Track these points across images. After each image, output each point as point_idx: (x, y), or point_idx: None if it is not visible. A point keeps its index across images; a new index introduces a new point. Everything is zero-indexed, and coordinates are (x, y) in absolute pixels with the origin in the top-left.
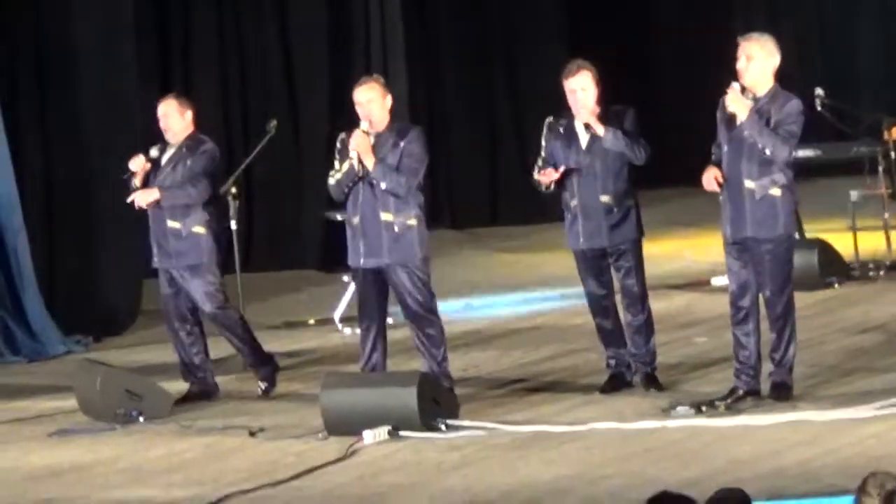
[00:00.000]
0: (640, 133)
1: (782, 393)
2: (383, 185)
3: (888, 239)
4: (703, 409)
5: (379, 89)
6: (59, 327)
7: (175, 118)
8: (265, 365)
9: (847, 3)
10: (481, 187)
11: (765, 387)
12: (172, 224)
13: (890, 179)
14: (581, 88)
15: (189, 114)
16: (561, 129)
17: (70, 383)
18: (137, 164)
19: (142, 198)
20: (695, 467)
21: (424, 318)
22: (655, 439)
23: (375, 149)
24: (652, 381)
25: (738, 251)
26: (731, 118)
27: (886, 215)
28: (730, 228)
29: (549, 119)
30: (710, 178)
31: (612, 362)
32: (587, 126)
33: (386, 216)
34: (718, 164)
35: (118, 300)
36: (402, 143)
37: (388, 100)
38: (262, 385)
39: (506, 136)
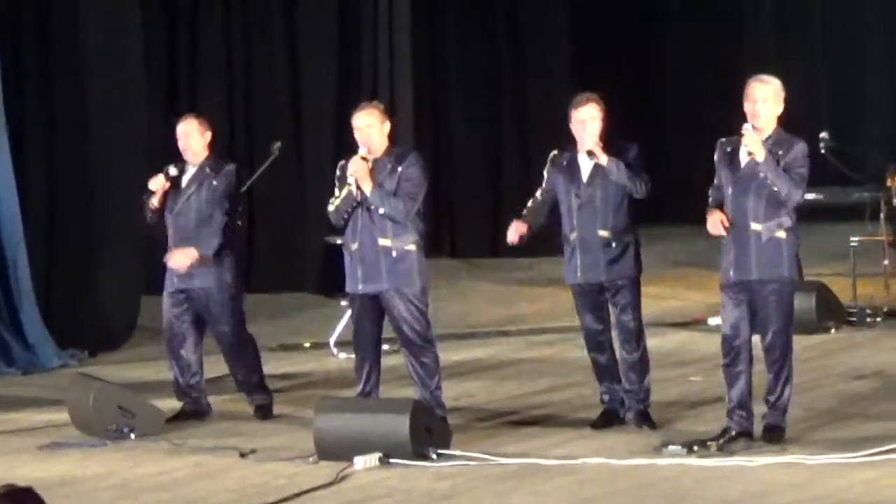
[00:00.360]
0: (643, 167)
1: (775, 435)
2: (382, 211)
3: (887, 286)
4: (695, 448)
5: (378, 115)
6: (55, 340)
7: (196, 138)
8: (263, 393)
9: (855, 48)
10: (483, 218)
11: (758, 428)
12: (199, 248)
13: (891, 226)
14: (590, 118)
15: (209, 135)
16: (564, 162)
17: (63, 397)
18: (157, 183)
19: (179, 260)
20: None
21: (420, 346)
22: (646, 477)
23: (373, 174)
24: (644, 419)
25: (736, 292)
26: (732, 161)
27: (886, 262)
28: (733, 270)
29: (554, 152)
30: (717, 222)
31: (606, 398)
32: (591, 154)
33: (384, 241)
34: (717, 207)
35: (115, 315)
36: (399, 168)
37: (387, 126)
38: (258, 411)
39: (510, 167)
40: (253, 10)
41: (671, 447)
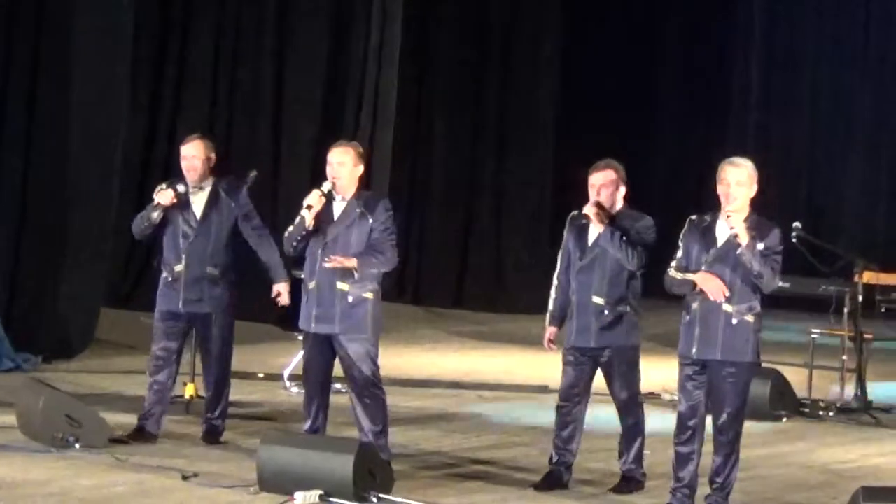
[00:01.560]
0: (645, 242)
1: None
2: (376, 270)
3: (843, 381)
4: None
5: (353, 155)
6: (11, 343)
7: (202, 160)
8: (222, 419)
9: (838, 144)
10: (449, 268)
11: None
12: (212, 270)
13: (854, 323)
14: (602, 185)
15: (213, 157)
16: (577, 225)
17: (12, 399)
18: (166, 197)
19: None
20: None
21: (368, 390)
22: None
23: (342, 215)
24: (626, 483)
25: (697, 372)
26: (705, 239)
27: (844, 357)
28: (696, 347)
29: (573, 213)
30: (720, 286)
31: (555, 458)
32: (586, 217)
33: (342, 286)
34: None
35: (74, 325)
36: (370, 219)
37: (360, 169)
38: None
39: (482, 220)
40: (243, 36)
41: None
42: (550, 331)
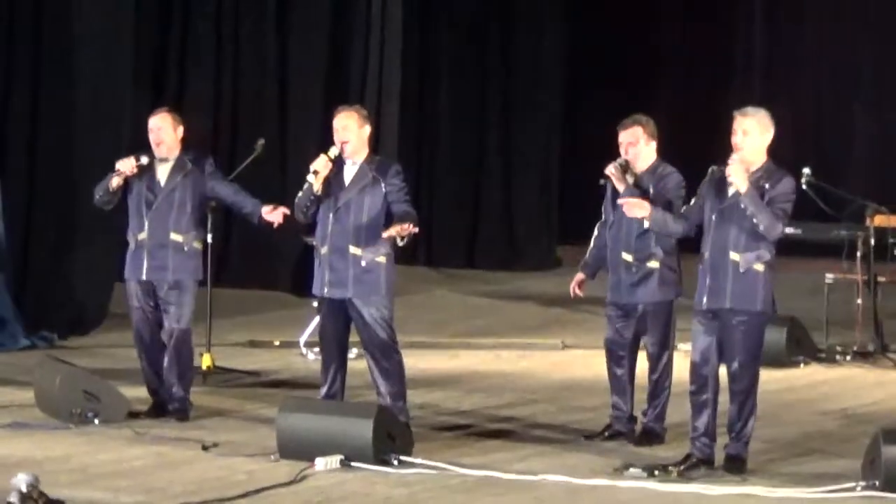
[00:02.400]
0: (671, 199)
1: (736, 466)
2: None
3: (858, 325)
4: (656, 472)
5: (357, 118)
6: (26, 321)
7: (169, 132)
8: (187, 393)
9: (844, 88)
10: (462, 228)
11: (719, 456)
12: (175, 237)
13: (867, 266)
14: (629, 143)
15: (181, 130)
16: (604, 181)
17: (29, 378)
18: (127, 165)
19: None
20: None
21: (384, 353)
22: (604, 498)
23: (354, 179)
24: (645, 436)
25: (708, 320)
26: (721, 189)
27: (859, 301)
28: (706, 297)
29: (610, 165)
30: (633, 204)
31: (612, 412)
32: (606, 177)
33: (355, 250)
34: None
35: (88, 300)
36: (384, 184)
37: (366, 130)
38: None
39: (492, 179)
40: (245, 12)
41: (632, 469)
42: (578, 276)
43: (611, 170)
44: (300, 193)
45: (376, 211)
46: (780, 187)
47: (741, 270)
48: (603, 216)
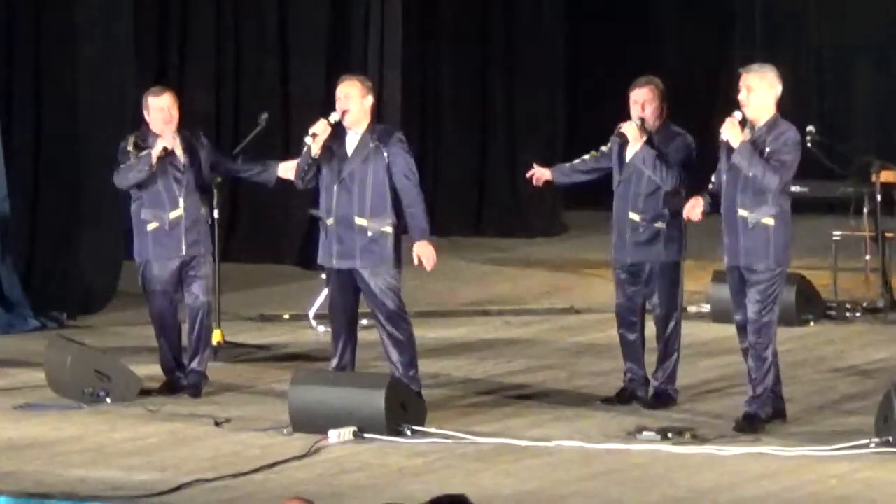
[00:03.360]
0: (680, 161)
1: (755, 425)
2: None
3: (868, 281)
4: (669, 435)
5: (360, 87)
6: (35, 302)
7: (175, 110)
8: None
9: (845, 45)
10: (467, 196)
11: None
12: (203, 211)
13: (874, 222)
14: (645, 101)
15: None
16: (619, 140)
17: (40, 359)
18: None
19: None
20: (656, 493)
21: (393, 323)
22: (619, 461)
23: (356, 149)
24: (658, 399)
25: (739, 279)
26: (729, 149)
27: (868, 257)
28: (727, 256)
29: (622, 124)
30: (691, 206)
31: (628, 377)
32: (622, 135)
33: (361, 221)
34: (715, 194)
35: (96, 280)
36: (386, 152)
37: (369, 100)
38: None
39: (496, 146)
40: None
41: (645, 433)
42: (544, 169)
43: (629, 127)
44: (298, 159)
45: (381, 180)
46: (782, 139)
47: (750, 226)
48: (590, 155)
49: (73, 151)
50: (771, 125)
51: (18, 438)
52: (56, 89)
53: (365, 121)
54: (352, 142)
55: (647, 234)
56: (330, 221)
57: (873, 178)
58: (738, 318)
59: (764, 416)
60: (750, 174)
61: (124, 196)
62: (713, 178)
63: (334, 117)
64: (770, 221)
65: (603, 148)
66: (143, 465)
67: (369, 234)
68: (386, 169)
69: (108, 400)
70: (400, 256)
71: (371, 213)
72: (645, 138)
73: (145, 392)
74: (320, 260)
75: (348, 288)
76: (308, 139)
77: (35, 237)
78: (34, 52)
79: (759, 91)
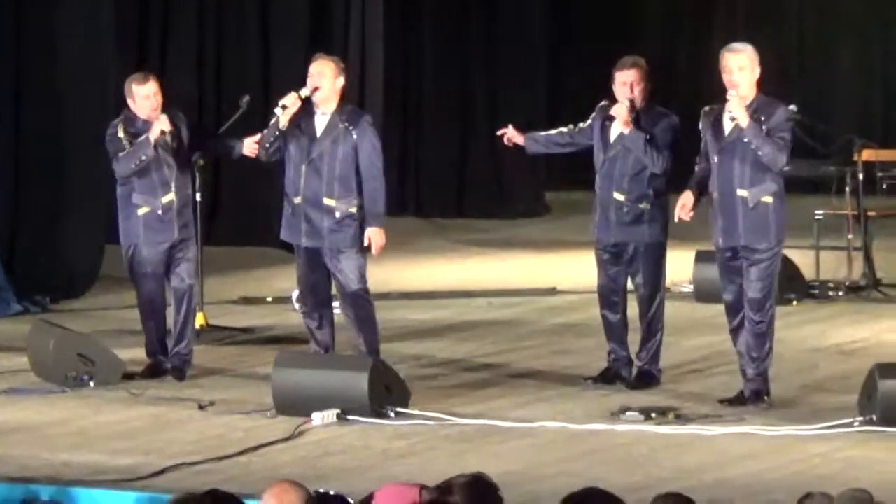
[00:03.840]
0: (667, 143)
1: (760, 397)
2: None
3: (850, 260)
4: (653, 415)
5: (332, 66)
6: (17, 286)
7: (160, 96)
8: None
9: (827, 24)
10: (449, 178)
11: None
12: (189, 194)
13: (856, 201)
14: (628, 82)
15: None
16: (602, 117)
17: (23, 343)
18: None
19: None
20: (639, 473)
21: (356, 303)
22: (603, 442)
23: (325, 130)
24: (641, 379)
25: (731, 259)
26: (717, 128)
27: (850, 236)
28: (721, 237)
29: (603, 102)
30: (680, 208)
31: (611, 357)
32: (611, 117)
33: (329, 201)
34: (702, 178)
35: (79, 263)
36: (354, 134)
37: (341, 81)
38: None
39: (478, 128)
40: None
41: (629, 413)
42: (517, 133)
43: (622, 109)
44: (265, 131)
45: (349, 161)
46: (777, 117)
47: (750, 206)
48: (567, 129)
49: (54, 136)
50: (762, 103)
51: (2, 423)
52: (36, 77)
53: (334, 101)
54: (321, 122)
55: (632, 214)
56: (297, 200)
57: (855, 157)
58: (728, 297)
59: (766, 389)
60: (760, 153)
61: (109, 180)
62: (697, 161)
63: (305, 92)
64: (770, 199)
65: (581, 124)
66: (127, 449)
67: (337, 214)
68: (354, 150)
69: (92, 384)
70: (364, 239)
71: (339, 195)
72: (633, 119)
73: (129, 376)
74: (284, 236)
75: (317, 266)
76: (278, 110)
77: (16, 222)
78: (14, 44)
79: (749, 70)
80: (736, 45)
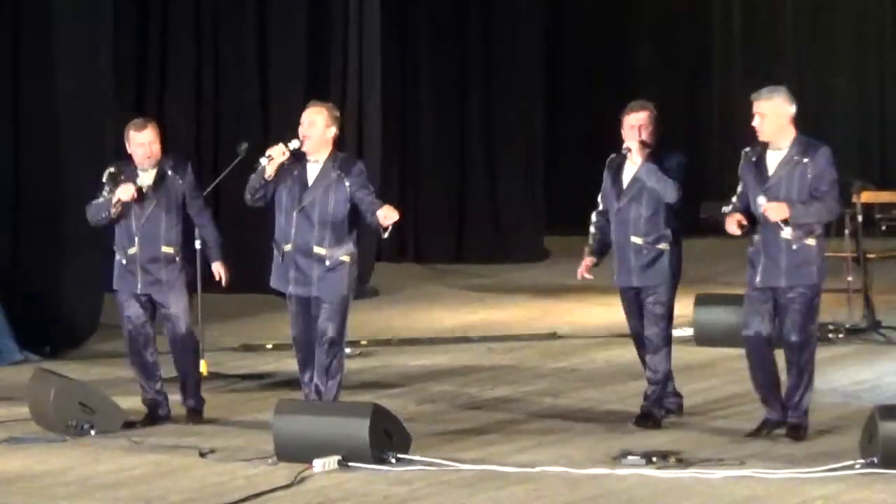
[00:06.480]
0: (680, 176)
1: (800, 433)
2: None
3: (850, 302)
4: (654, 459)
5: (325, 115)
6: (18, 335)
7: (157, 144)
8: (199, 394)
9: (824, 68)
10: (448, 223)
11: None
12: (166, 249)
13: (856, 243)
14: (641, 125)
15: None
16: (614, 165)
17: (24, 392)
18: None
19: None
20: None
21: (329, 348)
22: (603, 487)
23: (318, 178)
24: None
25: (763, 300)
26: (760, 170)
27: (850, 279)
28: (760, 276)
29: (612, 156)
30: (733, 221)
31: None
32: (628, 150)
33: (319, 250)
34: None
35: (78, 312)
36: (347, 181)
37: (332, 130)
38: (191, 414)
39: (476, 173)
40: (224, 13)
41: (630, 457)
42: (588, 259)
43: (635, 144)
44: (252, 176)
45: (341, 209)
46: (820, 164)
47: (794, 248)
48: (600, 205)
49: (52, 183)
50: (799, 145)
51: (3, 472)
52: (34, 123)
53: (326, 150)
54: (313, 170)
55: (651, 255)
56: (287, 248)
57: (853, 199)
58: (755, 332)
59: (807, 425)
60: (814, 222)
61: (106, 227)
62: (734, 201)
63: (294, 144)
64: (812, 241)
65: (599, 197)
66: (127, 498)
67: (327, 263)
68: (347, 198)
69: (93, 432)
70: (352, 288)
71: (330, 243)
72: (646, 153)
73: (129, 424)
74: (274, 284)
75: (307, 314)
76: (264, 160)
77: (15, 273)
78: (12, 87)
79: (771, 115)
80: (760, 92)
